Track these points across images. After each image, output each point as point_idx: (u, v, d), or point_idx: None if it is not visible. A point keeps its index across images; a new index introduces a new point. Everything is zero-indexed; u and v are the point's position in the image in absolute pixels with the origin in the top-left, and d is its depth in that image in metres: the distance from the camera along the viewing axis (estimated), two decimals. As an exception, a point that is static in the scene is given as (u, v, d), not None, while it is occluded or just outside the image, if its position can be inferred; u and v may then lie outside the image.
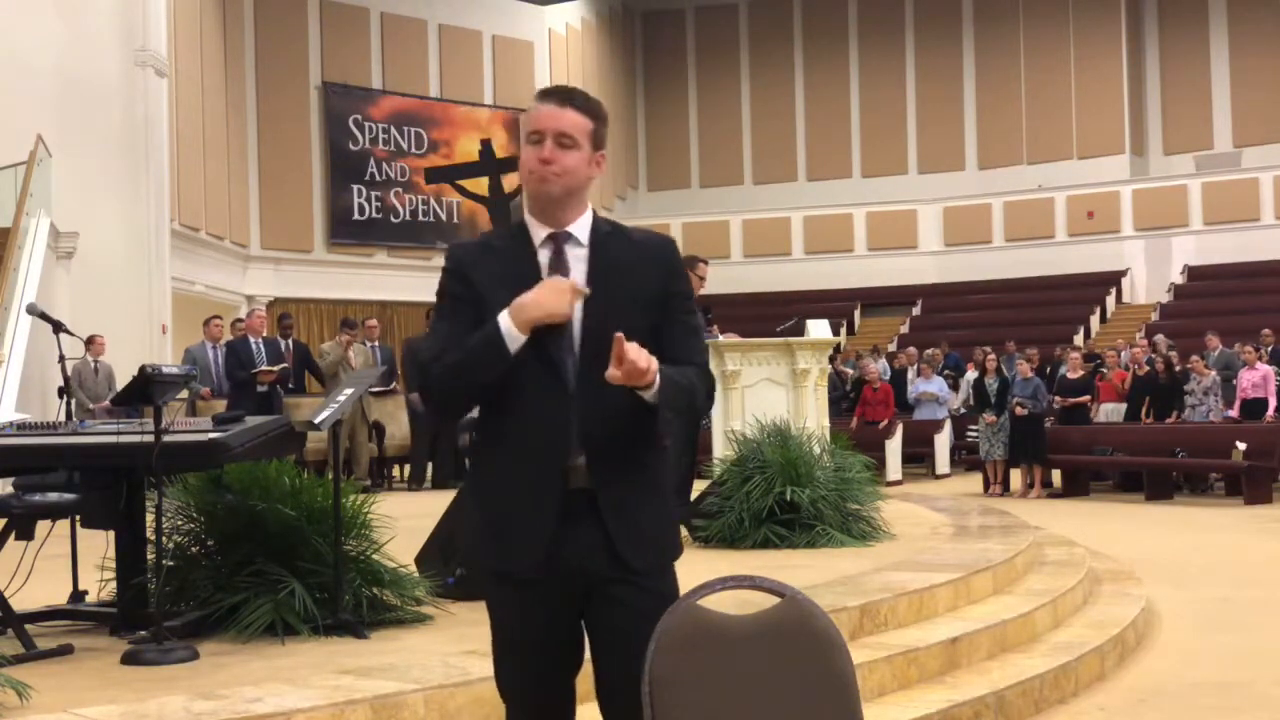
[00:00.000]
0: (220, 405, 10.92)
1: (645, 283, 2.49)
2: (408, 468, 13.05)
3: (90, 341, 11.79)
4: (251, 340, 12.03)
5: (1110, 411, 15.98)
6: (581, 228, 2.52)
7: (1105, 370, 16.42)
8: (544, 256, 2.49)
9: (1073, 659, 5.51)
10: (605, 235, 2.53)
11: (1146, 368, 15.76)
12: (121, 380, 8.42)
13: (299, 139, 22.21)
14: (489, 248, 2.56)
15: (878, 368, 18.06)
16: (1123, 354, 17.62)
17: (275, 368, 11.71)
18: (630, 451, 2.47)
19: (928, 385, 17.29)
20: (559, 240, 2.50)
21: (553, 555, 2.41)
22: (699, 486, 7.88)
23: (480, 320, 2.43)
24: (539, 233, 2.51)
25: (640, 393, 2.37)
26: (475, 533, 2.53)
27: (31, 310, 6.54)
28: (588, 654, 2.52)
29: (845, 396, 17.30)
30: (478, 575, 2.56)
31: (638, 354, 2.32)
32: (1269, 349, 16.10)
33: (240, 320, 15.08)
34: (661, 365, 2.39)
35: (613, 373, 2.32)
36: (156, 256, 15.39)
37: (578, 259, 2.49)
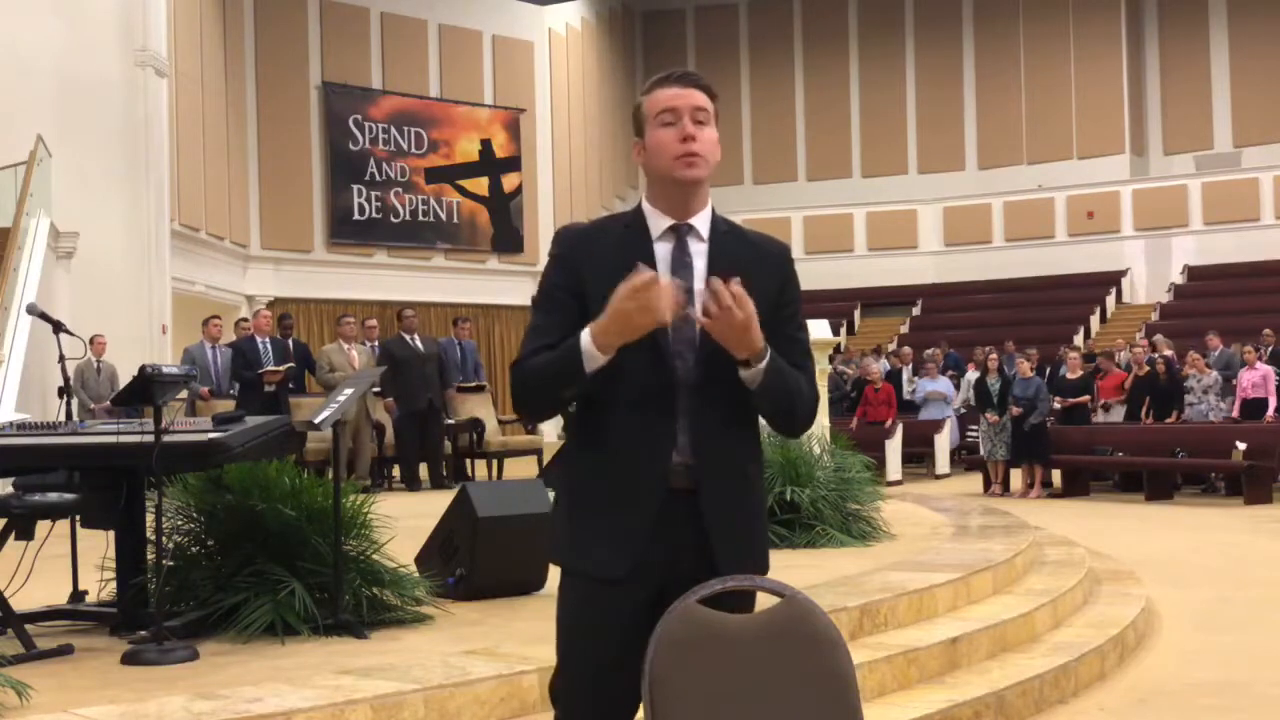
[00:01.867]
0: (226, 405, 10.90)
1: (764, 288, 2.36)
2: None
3: (90, 342, 11.80)
4: (258, 340, 12.03)
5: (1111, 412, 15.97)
6: (704, 221, 2.42)
7: (1101, 370, 16.40)
8: (664, 249, 2.38)
9: (1073, 659, 5.51)
10: (724, 233, 2.44)
11: (1147, 368, 15.77)
12: (124, 380, 8.42)
13: (299, 139, 22.20)
14: (603, 234, 2.44)
15: (879, 368, 18.07)
16: (1120, 354, 17.61)
17: (282, 367, 11.70)
18: (736, 458, 2.41)
19: (934, 385, 17.30)
20: (681, 233, 2.39)
21: (645, 556, 2.35)
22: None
23: (584, 316, 2.33)
24: (659, 223, 2.40)
25: (743, 369, 2.29)
26: (565, 530, 2.42)
27: (31, 310, 6.53)
28: None
29: (846, 396, 17.30)
30: (566, 572, 2.43)
31: (742, 300, 2.21)
32: (1269, 349, 16.10)
33: (244, 320, 15.11)
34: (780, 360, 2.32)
35: (709, 317, 2.22)
36: (156, 256, 15.39)
37: (698, 254, 2.40)
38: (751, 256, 2.43)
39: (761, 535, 2.50)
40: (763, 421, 2.50)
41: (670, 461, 2.35)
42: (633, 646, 2.31)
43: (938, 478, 16.35)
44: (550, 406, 2.44)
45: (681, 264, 2.38)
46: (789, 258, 2.51)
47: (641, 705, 2.39)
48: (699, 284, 2.36)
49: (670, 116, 2.38)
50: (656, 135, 2.38)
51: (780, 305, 2.44)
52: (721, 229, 2.44)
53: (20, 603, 4.72)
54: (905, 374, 18.71)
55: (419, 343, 12.40)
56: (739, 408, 2.39)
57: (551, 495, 3.65)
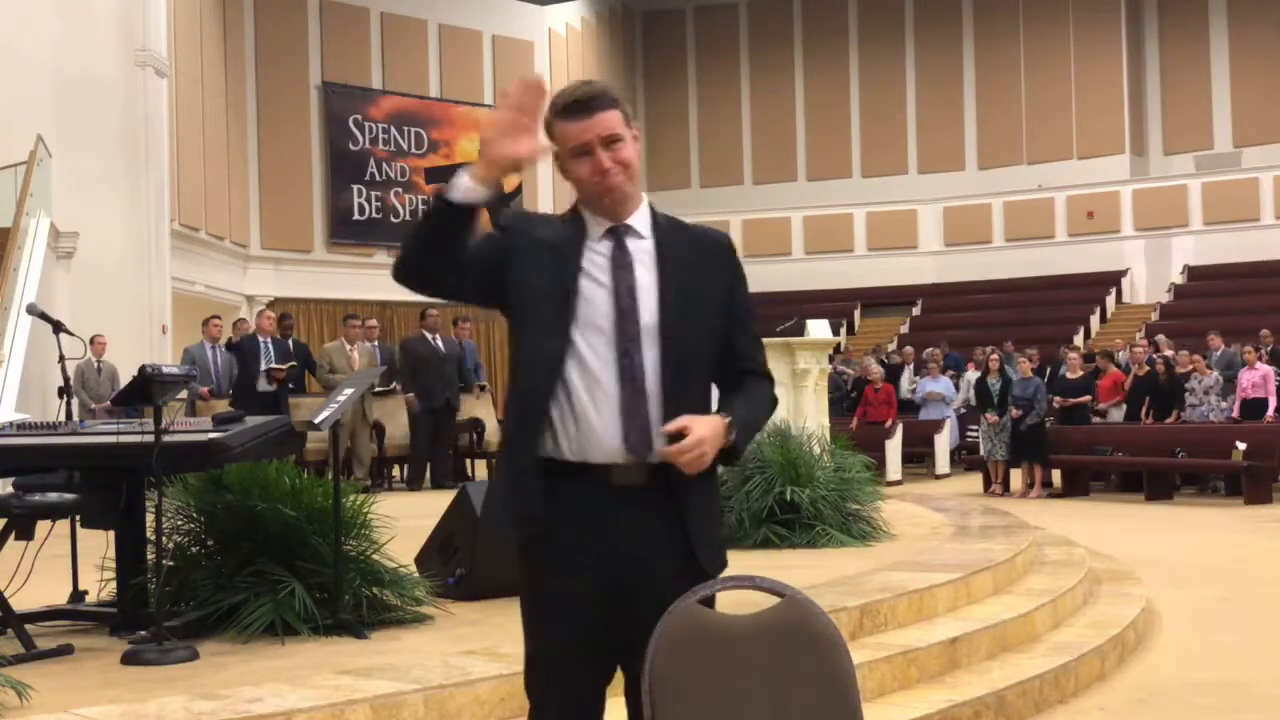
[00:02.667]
0: (226, 405, 10.90)
1: (715, 281, 2.47)
2: (406, 468, 13.05)
3: (90, 342, 11.79)
4: (260, 340, 12.02)
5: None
6: (641, 219, 2.48)
7: (1100, 370, 16.38)
8: (605, 248, 2.43)
9: (1073, 659, 5.51)
10: (665, 228, 2.49)
11: (1146, 368, 15.77)
12: (124, 380, 8.42)
13: (299, 139, 22.20)
14: (548, 221, 2.51)
15: (878, 367, 18.06)
16: (1119, 354, 17.59)
17: (284, 366, 11.70)
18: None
19: (934, 385, 17.30)
20: (619, 233, 2.45)
21: (616, 551, 2.38)
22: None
23: (500, 257, 2.40)
24: (597, 227, 2.46)
25: (726, 459, 2.40)
26: (523, 527, 2.47)
27: (31, 310, 6.54)
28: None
29: (846, 396, 17.31)
30: (522, 554, 2.49)
31: (697, 443, 2.30)
32: (1268, 349, 16.10)
33: (241, 320, 15.11)
34: (737, 406, 2.42)
35: (664, 450, 2.32)
36: (156, 256, 15.38)
37: (642, 252, 2.44)
38: (695, 250, 2.48)
39: (720, 531, 2.55)
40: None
41: (640, 460, 2.38)
42: (590, 635, 2.38)
43: (938, 478, 16.34)
44: (420, 253, 2.40)
45: (622, 263, 2.43)
46: (732, 248, 2.55)
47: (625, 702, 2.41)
48: (645, 279, 2.42)
49: (583, 149, 2.42)
50: (574, 167, 2.43)
51: (736, 297, 2.51)
52: (662, 224, 2.50)
53: (20, 603, 4.72)
54: (906, 374, 18.72)
55: (440, 342, 12.46)
56: (699, 402, 2.43)
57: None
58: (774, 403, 2.57)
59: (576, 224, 2.47)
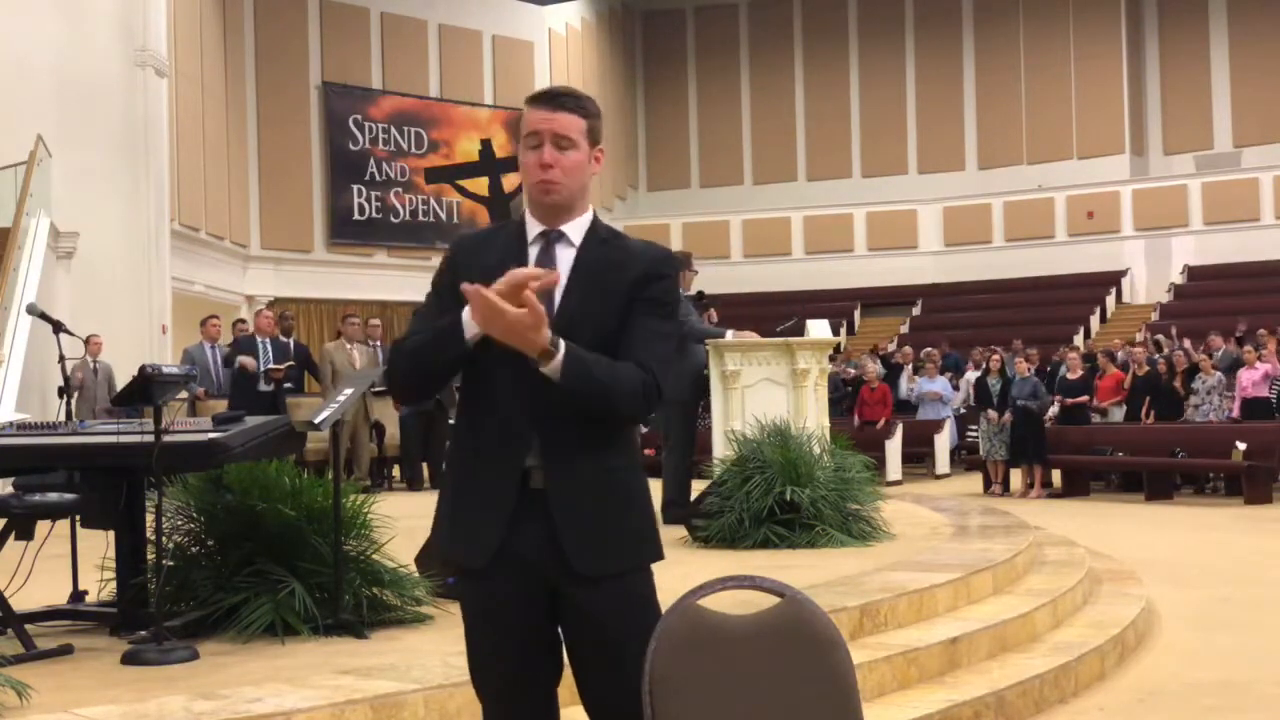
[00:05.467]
0: (224, 405, 10.89)
1: (620, 281, 2.45)
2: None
3: (86, 342, 11.78)
4: (259, 340, 12.02)
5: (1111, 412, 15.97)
6: (577, 228, 2.50)
7: (1100, 370, 16.38)
8: (533, 253, 2.47)
9: (1073, 659, 5.50)
10: (601, 240, 2.50)
11: (1147, 367, 15.77)
12: (121, 380, 8.42)
13: (299, 139, 22.21)
14: (490, 239, 2.56)
15: (876, 368, 18.09)
16: (1117, 355, 17.58)
17: (283, 365, 11.70)
18: (590, 453, 2.42)
19: (931, 384, 17.30)
20: (550, 239, 2.49)
21: (507, 553, 2.40)
22: (699, 486, 7.88)
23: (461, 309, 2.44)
24: (534, 228, 2.51)
25: (537, 363, 2.31)
26: (440, 527, 2.56)
27: (31, 310, 6.54)
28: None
29: (845, 396, 17.32)
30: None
31: (529, 302, 2.26)
32: (1268, 348, 16.08)
33: (241, 321, 15.10)
34: (583, 350, 2.35)
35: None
36: (156, 256, 15.38)
37: (564, 261, 2.47)
38: (618, 259, 2.48)
39: (626, 529, 2.46)
40: None
41: (530, 462, 2.41)
42: (527, 648, 2.43)
43: (938, 478, 16.35)
44: (424, 377, 2.49)
45: (545, 266, 2.45)
46: (663, 259, 2.52)
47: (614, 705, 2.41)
48: (561, 282, 2.45)
49: (534, 140, 2.46)
50: (523, 154, 2.48)
51: (642, 296, 2.45)
52: (601, 235, 2.51)
53: (20, 603, 4.72)
54: (905, 374, 18.73)
55: None
56: (590, 420, 2.42)
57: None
58: (642, 392, 2.40)
59: (518, 231, 2.53)
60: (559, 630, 2.46)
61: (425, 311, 2.53)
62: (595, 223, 2.53)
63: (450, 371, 2.46)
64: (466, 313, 2.36)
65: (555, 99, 2.47)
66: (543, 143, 2.44)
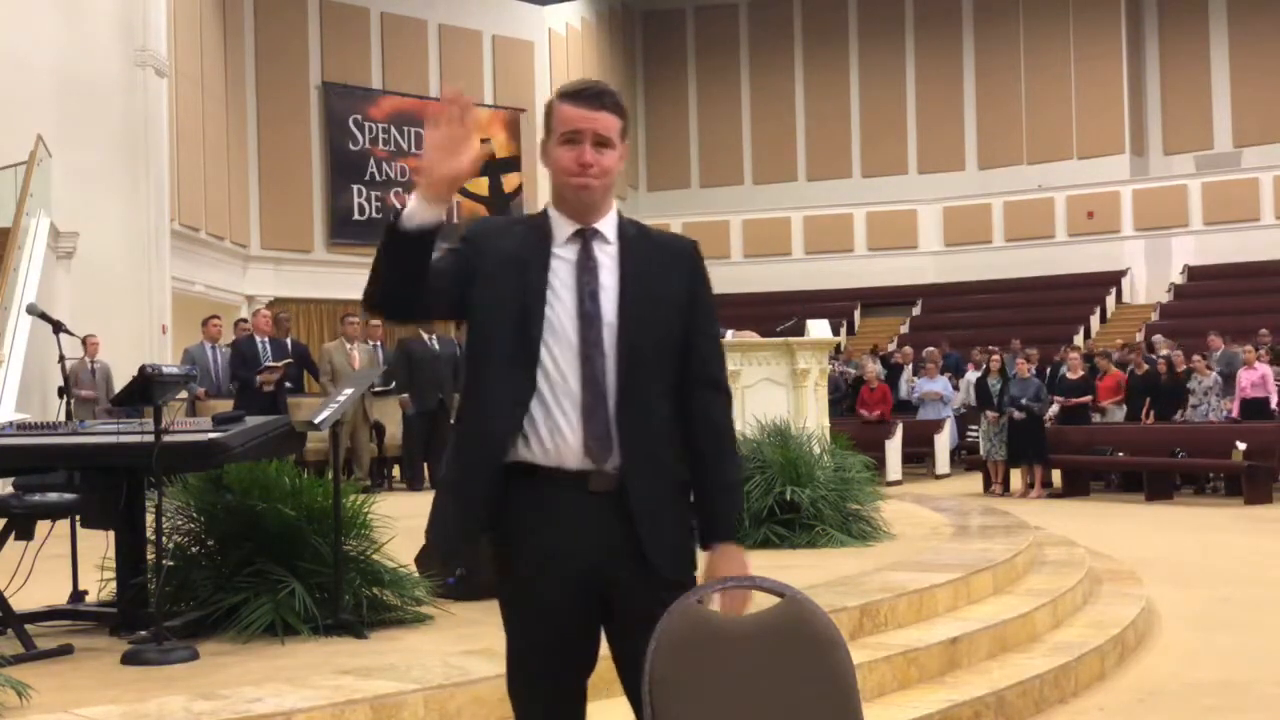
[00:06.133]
0: (225, 405, 10.89)
1: (675, 286, 2.48)
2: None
3: (83, 342, 11.77)
4: (258, 340, 12.01)
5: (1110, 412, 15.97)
6: (609, 225, 2.49)
7: (1100, 370, 16.39)
8: (570, 252, 2.45)
9: (1073, 659, 5.51)
10: (632, 236, 2.50)
11: (1145, 366, 15.77)
12: (120, 380, 8.42)
13: (299, 139, 22.20)
14: (510, 229, 2.52)
15: (875, 367, 18.09)
16: (1117, 355, 17.59)
17: (279, 364, 11.69)
18: (664, 459, 2.45)
19: (931, 384, 17.30)
20: (587, 237, 2.46)
21: (564, 554, 2.40)
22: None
23: (466, 273, 2.41)
24: (564, 228, 2.47)
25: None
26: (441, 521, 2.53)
27: (31, 310, 6.54)
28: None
29: (845, 396, 17.33)
30: (484, 577, 2.55)
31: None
32: (1266, 348, 16.08)
33: (243, 320, 15.09)
34: (716, 487, 2.49)
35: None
36: (156, 256, 15.38)
37: (607, 256, 2.46)
38: (661, 257, 2.50)
39: (691, 535, 2.52)
40: None
41: (602, 466, 2.40)
42: (564, 636, 2.41)
43: (938, 478, 16.34)
44: (393, 284, 2.38)
45: (587, 266, 2.44)
46: (696, 253, 2.56)
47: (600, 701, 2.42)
48: (608, 283, 2.44)
49: (574, 137, 2.43)
50: (557, 151, 2.44)
51: (696, 302, 2.50)
52: (630, 232, 2.51)
53: (20, 603, 4.72)
54: (906, 372, 18.75)
55: (436, 342, 12.46)
56: (658, 405, 2.44)
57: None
58: (730, 420, 2.58)
59: (542, 226, 2.49)
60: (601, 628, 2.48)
61: None
62: (620, 217, 2.53)
63: (411, 264, 2.32)
64: (411, 200, 2.31)
65: (597, 97, 2.44)
66: (583, 141, 2.42)
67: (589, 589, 2.41)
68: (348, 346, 12.37)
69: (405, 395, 12.26)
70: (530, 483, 2.42)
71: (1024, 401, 14.14)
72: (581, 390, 2.40)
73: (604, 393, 2.40)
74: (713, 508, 2.50)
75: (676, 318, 2.47)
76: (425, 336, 12.47)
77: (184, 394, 10.70)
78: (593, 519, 2.40)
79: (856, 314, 26.29)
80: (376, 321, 13.58)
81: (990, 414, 14.53)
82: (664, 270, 2.48)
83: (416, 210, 2.31)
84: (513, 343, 2.40)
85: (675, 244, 2.55)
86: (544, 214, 2.51)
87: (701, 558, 2.49)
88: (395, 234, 2.31)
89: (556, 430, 2.40)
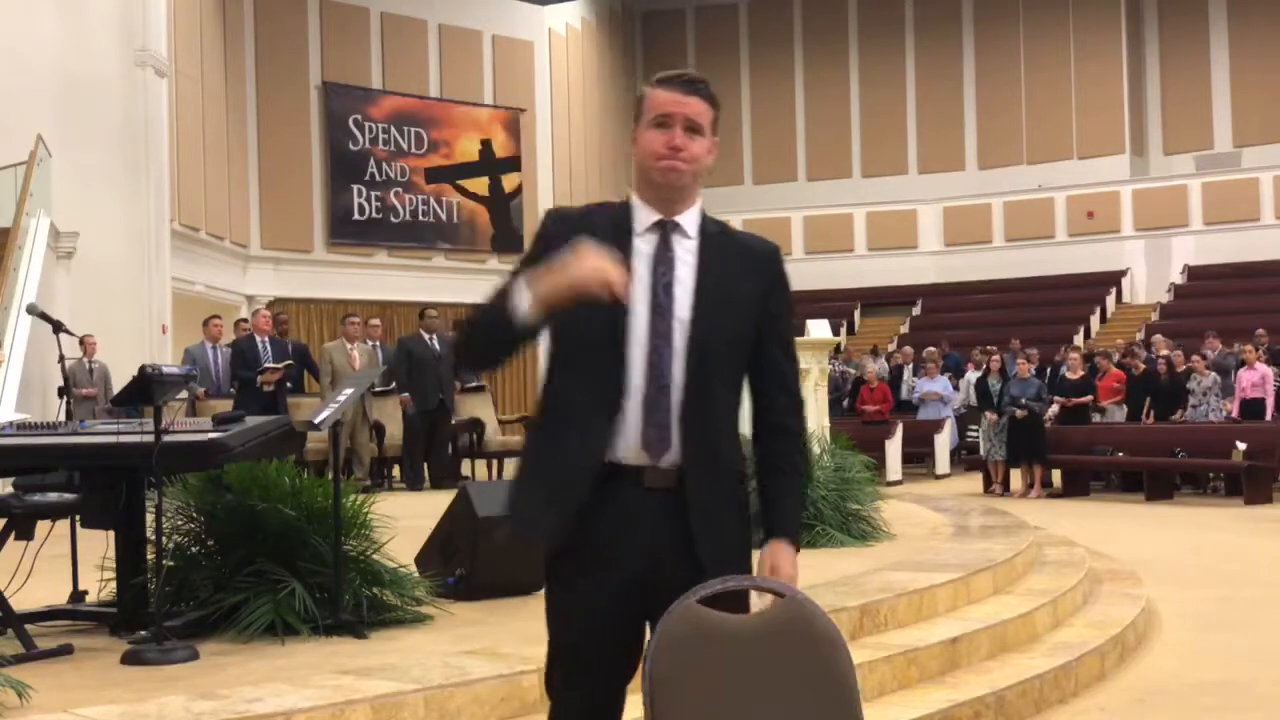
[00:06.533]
0: (225, 405, 10.89)
1: (752, 290, 2.44)
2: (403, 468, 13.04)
3: (80, 341, 11.77)
4: (258, 340, 12.02)
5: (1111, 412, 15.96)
6: (691, 219, 2.45)
7: (1100, 370, 16.39)
8: (649, 242, 2.41)
9: (1073, 659, 5.51)
10: (713, 233, 2.46)
11: (1143, 366, 15.77)
12: (120, 380, 8.42)
13: (299, 139, 22.19)
14: (587, 220, 2.46)
15: (876, 367, 18.10)
16: (1117, 355, 17.58)
17: (279, 365, 11.70)
18: (723, 458, 2.42)
19: (932, 385, 17.31)
20: (666, 229, 2.42)
21: (624, 555, 2.37)
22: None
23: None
24: (645, 216, 2.43)
25: None
26: (517, 505, 2.49)
27: (31, 310, 6.54)
28: None
29: (845, 396, 17.35)
30: (549, 573, 2.49)
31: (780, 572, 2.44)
32: (1264, 348, 16.08)
33: (244, 320, 15.10)
34: (782, 492, 2.49)
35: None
36: (156, 256, 15.39)
37: (686, 251, 2.42)
38: (742, 259, 2.46)
39: (747, 538, 2.51)
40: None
41: (659, 463, 2.37)
42: (610, 635, 2.38)
43: (938, 478, 16.35)
44: (486, 348, 2.42)
45: (664, 259, 2.41)
46: (778, 257, 2.52)
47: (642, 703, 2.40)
48: (684, 277, 2.40)
49: (665, 121, 2.41)
50: (647, 135, 2.42)
51: (772, 309, 2.47)
52: (711, 229, 2.47)
53: (20, 603, 4.72)
54: (906, 372, 18.75)
55: (436, 343, 12.48)
56: (722, 405, 2.42)
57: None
58: (805, 439, 2.60)
59: (622, 215, 2.45)
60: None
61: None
62: (704, 214, 2.49)
63: (508, 349, 2.38)
64: (519, 283, 2.30)
65: (690, 84, 2.43)
66: (674, 125, 2.40)
67: (636, 590, 2.37)
68: (348, 346, 12.37)
69: (406, 395, 12.28)
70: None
71: (1024, 401, 14.15)
72: (645, 383, 2.37)
73: (667, 386, 2.36)
74: (781, 508, 2.51)
75: (750, 320, 2.43)
76: (425, 336, 12.48)
77: (184, 394, 10.70)
78: (647, 517, 2.38)
79: (856, 314, 26.29)
80: (375, 321, 13.59)
81: (990, 415, 14.53)
82: (743, 271, 2.44)
83: (525, 306, 2.30)
84: (597, 336, 2.36)
85: (758, 246, 2.51)
86: (626, 202, 2.48)
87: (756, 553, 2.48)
88: (504, 314, 2.31)
89: (619, 426, 2.38)
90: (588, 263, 2.25)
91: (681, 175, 2.40)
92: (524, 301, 2.29)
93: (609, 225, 2.43)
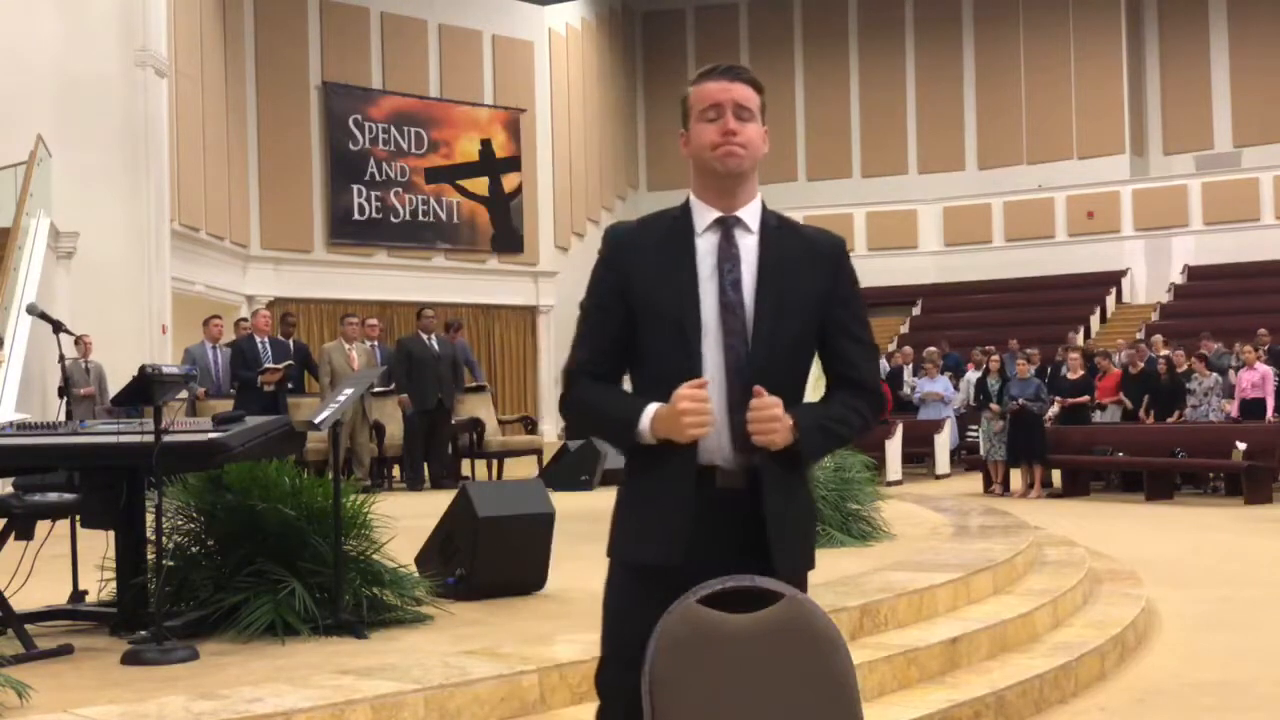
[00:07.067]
0: (225, 405, 10.89)
1: (813, 282, 2.41)
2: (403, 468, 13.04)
3: (76, 341, 11.77)
4: (258, 340, 12.02)
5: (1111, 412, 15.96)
6: (752, 213, 2.42)
7: (1100, 370, 16.39)
8: (710, 241, 2.38)
9: (1073, 659, 5.51)
10: (775, 227, 2.43)
11: (1141, 365, 15.76)
12: (118, 380, 8.42)
13: (299, 139, 22.19)
14: (648, 231, 2.44)
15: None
16: (1118, 355, 17.57)
17: (280, 365, 11.70)
18: (788, 458, 2.40)
19: (932, 385, 17.31)
20: (728, 225, 2.40)
21: (695, 554, 2.35)
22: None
23: (629, 321, 2.39)
24: (706, 215, 2.41)
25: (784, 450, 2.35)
26: (624, 528, 2.45)
27: (31, 310, 6.54)
28: None
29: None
30: (613, 569, 2.46)
31: (766, 413, 2.30)
32: (1264, 348, 16.08)
33: (243, 320, 15.10)
34: (806, 411, 2.37)
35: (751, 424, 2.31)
36: (156, 256, 15.38)
37: (747, 249, 2.40)
38: (802, 250, 2.44)
39: (812, 537, 2.52)
40: None
41: (723, 464, 2.37)
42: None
43: (938, 478, 16.34)
44: (590, 433, 2.52)
45: (728, 254, 2.39)
46: (843, 250, 2.50)
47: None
48: (747, 274, 2.38)
49: (713, 112, 2.39)
50: (699, 128, 2.40)
51: (836, 300, 2.43)
52: (772, 223, 2.45)
53: (20, 603, 4.72)
54: (906, 372, 18.75)
55: (435, 343, 12.48)
56: (789, 402, 2.38)
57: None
58: (863, 414, 2.48)
59: (682, 219, 2.43)
60: None
61: (590, 328, 2.44)
62: (764, 208, 2.46)
63: (616, 440, 2.44)
64: (644, 421, 2.32)
65: (732, 70, 2.41)
66: (724, 113, 2.37)
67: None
68: (346, 347, 12.38)
69: (404, 395, 12.28)
70: (659, 481, 2.38)
71: (1020, 401, 14.15)
72: (726, 383, 2.35)
73: (747, 385, 2.34)
74: (818, 411, 2.43)
75: (815, 314, 2.41)
76: (424, 337, 12.49)
77: (184, 394, 10.70)
78: (716, 518, 2.36)
79: (856, 314, 26.26)
80: (374, 321, 13.59)
81: (993, 406, 14.52)
82: (806, 265, 2.42)
83: (645, 435, 2.34)
84: (675, 343, 2.36)
85: (821, 239, 2.48)
86: (684, 206, 2.45)
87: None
88: (630, 436, 2.36)
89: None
90: (689, 419, 2.28)
91: (740, 160, 2.38)
92: (644, 426, 2.34)
93: (668, 231, 2.42)
